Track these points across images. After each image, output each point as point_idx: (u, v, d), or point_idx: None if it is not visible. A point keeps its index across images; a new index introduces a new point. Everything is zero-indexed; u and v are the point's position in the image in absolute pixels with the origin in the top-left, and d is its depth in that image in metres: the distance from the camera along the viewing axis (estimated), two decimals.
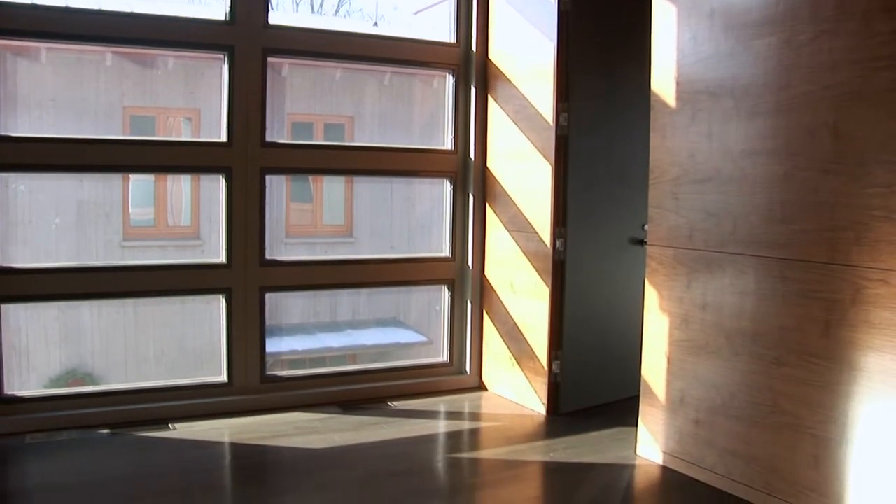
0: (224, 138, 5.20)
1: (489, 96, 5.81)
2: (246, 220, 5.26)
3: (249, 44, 5.16)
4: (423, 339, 9.98)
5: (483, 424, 5.48)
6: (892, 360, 3.33)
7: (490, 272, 5.90)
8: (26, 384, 8.32)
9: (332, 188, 10.64)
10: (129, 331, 9.29)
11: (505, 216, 5.71)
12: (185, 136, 9.87)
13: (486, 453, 4.92)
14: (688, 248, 4.30)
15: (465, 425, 5.53)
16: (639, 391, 4.65)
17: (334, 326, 10.41)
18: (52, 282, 5.04)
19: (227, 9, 5.12)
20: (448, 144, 5.92)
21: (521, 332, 5.58)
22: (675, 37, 4.36)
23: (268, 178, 5.33)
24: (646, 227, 4.65)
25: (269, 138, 5.30)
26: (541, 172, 5.33)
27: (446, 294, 6.03)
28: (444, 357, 6.07)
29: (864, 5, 3.44)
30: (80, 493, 4.03)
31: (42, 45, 8.50)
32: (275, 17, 5.29)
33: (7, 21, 4.55)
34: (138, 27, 5.00)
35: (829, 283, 3.59)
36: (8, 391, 4.88)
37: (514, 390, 5.67)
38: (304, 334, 10.01)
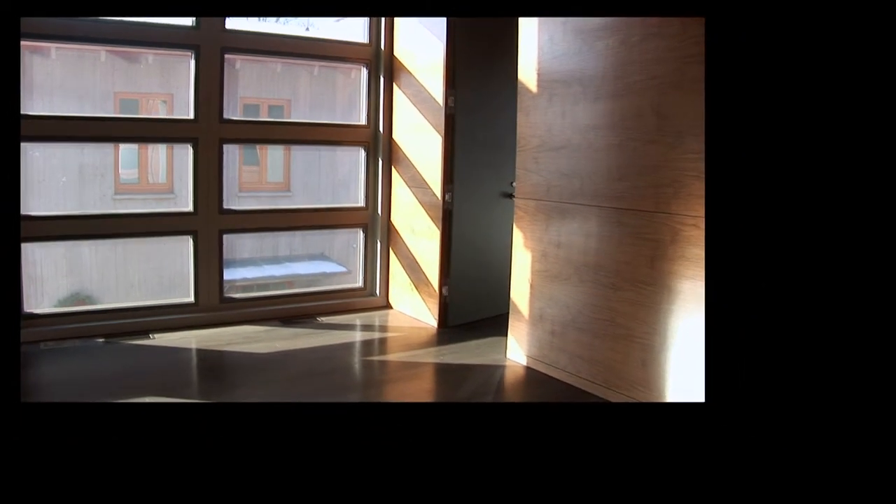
0: (192, 116, 4.96)
1: (394, 84, 5.55)
2: (208, 178, 5.04)
3: (211, 44, 4.92)
4: (343, 269, 9.71)
5: (389, 335, 5.29)
6: (701, 285, 3.25)
7: (395, 219, 5.68)
8: (40, 304, 7.85)
9: (274, 154, 10.29)
10: (119, 263, 8.90)
11: (406, 176, 5.49)
12: (162, 115, 9.39)
13: (391, 357, 4.77)
14: (546, 200, 4.16)
15: (375, 335, 5.34)
16: (509, 309, 4.53)
17: (275, 260, 10.15)
18: (60, 226, 4.87)
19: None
20: (363, 121, 5.67)
21: (418, 265, 5.41)
22: (536, 38, 4.17)
23: (225, 146, 5.10)
24: (514, 184, 4.49)
25: (226, 116, 5.04)
26: (434, 142, 5.12)
27: (361, 235, 5.83)
28: (359, 283, 5.87)
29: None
30: (82, 387, 3.90)
31: (52, 45, 8.04)
32: (231, 23, 5.05)
33: (28, 27, 4.29)
34: (126, 31, 4.75)
35: (654, 227, 3.49)
36: (27, 309, 4.73)
37: (413, 309, 5.50)
38: (252, 266, 9.73)
